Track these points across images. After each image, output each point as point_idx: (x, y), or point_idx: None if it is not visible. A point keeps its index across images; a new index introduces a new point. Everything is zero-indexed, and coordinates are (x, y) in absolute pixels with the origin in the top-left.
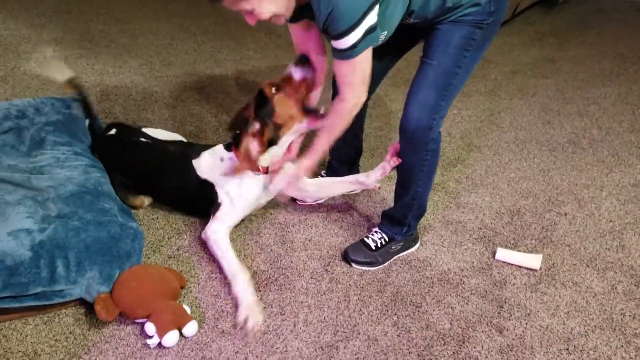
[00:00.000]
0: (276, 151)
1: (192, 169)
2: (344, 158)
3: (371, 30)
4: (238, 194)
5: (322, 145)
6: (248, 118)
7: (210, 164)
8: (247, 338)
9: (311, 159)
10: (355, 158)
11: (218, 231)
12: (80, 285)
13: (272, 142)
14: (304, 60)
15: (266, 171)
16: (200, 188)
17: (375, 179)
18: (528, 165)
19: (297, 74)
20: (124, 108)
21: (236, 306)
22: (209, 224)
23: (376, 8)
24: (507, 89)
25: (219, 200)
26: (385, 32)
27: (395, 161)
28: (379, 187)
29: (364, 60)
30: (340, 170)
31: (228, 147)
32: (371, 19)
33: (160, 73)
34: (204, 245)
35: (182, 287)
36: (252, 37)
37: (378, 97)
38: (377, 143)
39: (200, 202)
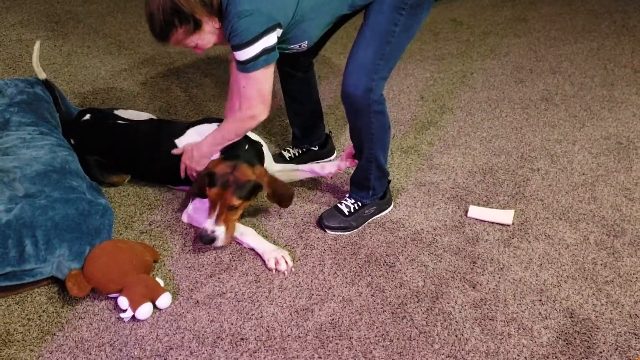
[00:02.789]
0: None
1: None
2: (303, 123)
3: (268, 51)
4: None
5: (212, 141)
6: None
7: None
8: (285, 274)
9: (198, 150)
10: (316, 120)
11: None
12: (50, 263)
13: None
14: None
15: None
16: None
17: (329, 171)
18: (500, 124)
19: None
20: (93, 87)
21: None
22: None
23: (274, 33)
24: (480, 50)
25: None
26: (306, 42)
27: (350, 163)
28: (332, 177)
29: (261, 79)
30: (304, 139)
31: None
32: (268, 41)
33: (129, 50)
34: (177, 219)
35: (155, 261)
36: None
37: None
38: None
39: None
